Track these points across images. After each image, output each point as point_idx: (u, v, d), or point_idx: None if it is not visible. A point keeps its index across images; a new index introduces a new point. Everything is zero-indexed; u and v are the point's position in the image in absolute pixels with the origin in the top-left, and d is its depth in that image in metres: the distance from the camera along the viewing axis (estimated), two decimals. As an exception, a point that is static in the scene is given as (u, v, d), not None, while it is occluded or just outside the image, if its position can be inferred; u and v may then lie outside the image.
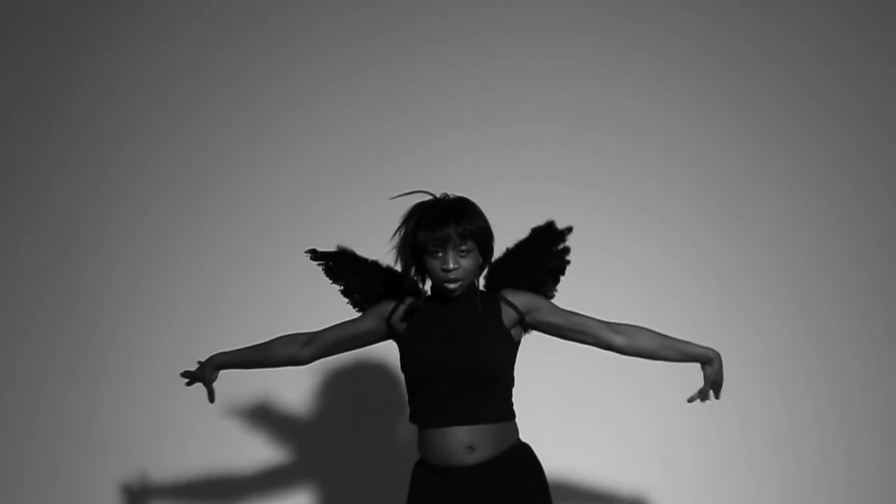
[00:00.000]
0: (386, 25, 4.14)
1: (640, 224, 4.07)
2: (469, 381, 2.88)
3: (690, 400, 3.09)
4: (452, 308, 2.94)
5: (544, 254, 3.01)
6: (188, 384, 3.22)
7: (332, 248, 3.09)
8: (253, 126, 4.12)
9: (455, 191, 2.96)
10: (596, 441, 3.99)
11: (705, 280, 4.08)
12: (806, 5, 4.17)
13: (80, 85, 4.15)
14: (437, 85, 4.12)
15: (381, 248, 2.98)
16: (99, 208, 4.11)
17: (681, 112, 4.13)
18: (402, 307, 3.00)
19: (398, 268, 2.95)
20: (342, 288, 3.10)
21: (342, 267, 3.08)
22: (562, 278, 3.04)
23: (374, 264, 3.08)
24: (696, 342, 3.04)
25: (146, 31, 4.15)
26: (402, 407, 3.89)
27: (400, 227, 2.92)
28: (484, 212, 2.93)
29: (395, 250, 2.93)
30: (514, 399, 2.97)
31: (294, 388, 3.97)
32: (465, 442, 2.88)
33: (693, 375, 3.09)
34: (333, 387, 4.00)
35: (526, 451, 2.98)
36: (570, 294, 3.11)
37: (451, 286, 2.89)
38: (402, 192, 2.97)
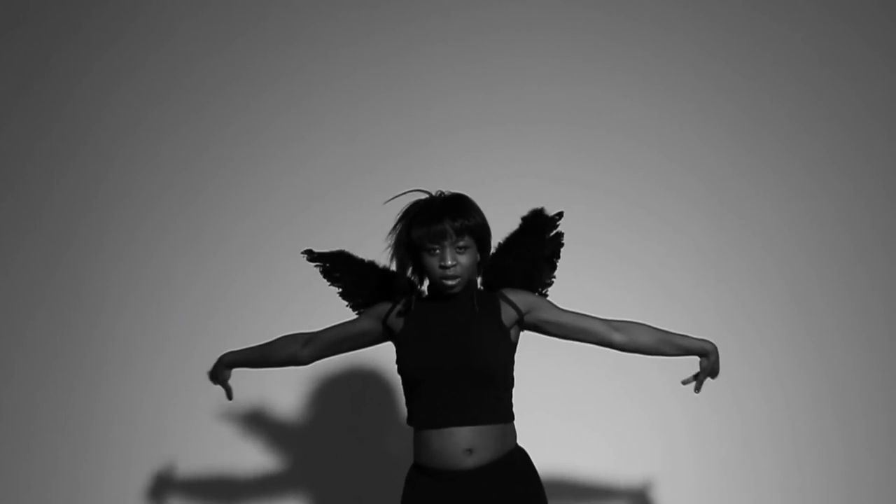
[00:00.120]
0: (386, 25, 4.14)
1: (640, 224, 4.07)
2: (467, 381, 2.85)
3: (685, 382, 3.09)
4: (450, 307, 2.92)
5: (538, 242, 3.00)
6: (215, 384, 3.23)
7: (329, 249, 3.09)
8: (253, 126, 4.12)
9: (455, 190, 2.96)
10: (595, 440, 3.98)
11: (705, 280, 4.08)
12: (806, 5, 4.17)
13: (79, 85, 4.15)
14: (437, 85, 4.12)
15: (381, 248, 2.98)
16: (99, 208, 4.11)
17: (681, 112, 4.13)
18: (399, 307, 2.98)
19: (394, 267, 2.94)
20: (341, 290, 3.09)
21: (339, 268, 3.08)
22: (559, 272, 3.04)
23: (371, 265, 3.07)
24: (692, 336, 3.06)
25: (146, 31, 4.15)
26: (397, 411, 3.89)
27: (395, 225, 2.91)
28: (483, 211, 2.92)
29: (389, 248, 2.92)
30: (514, 399, 2.96)
31: (291, 391, 3.97)
32: (463, 444, 2.85)
33: (692, 374, 3.11)
34: (329, 391, 3.99)
35: (524, 458, 2.95)
36: (570, 294, 3.11)
37: (450, 283, 2.87)
38: (396, 195, 2.97)
